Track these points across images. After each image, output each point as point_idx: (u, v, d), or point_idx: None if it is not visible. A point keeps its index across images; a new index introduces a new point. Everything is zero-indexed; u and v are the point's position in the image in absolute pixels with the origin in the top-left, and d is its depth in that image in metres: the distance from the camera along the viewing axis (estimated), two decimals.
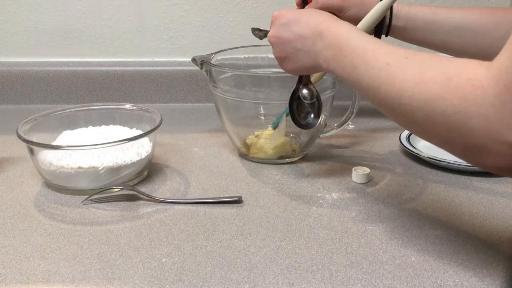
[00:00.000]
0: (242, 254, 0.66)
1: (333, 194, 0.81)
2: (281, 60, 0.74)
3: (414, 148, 0.93)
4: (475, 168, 0.84)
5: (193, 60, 0.92)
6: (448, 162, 0.87)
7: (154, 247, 0.67)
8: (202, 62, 0.91)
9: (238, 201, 0.78)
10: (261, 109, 0.93)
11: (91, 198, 0.78)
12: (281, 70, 0.75)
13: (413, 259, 0.65)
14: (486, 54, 0.57)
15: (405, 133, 0.98)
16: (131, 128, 0.91)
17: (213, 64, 0.92)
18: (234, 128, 0.93)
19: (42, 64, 1.22)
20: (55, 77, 1.21)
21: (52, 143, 0.85)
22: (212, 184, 0.85)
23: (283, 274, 0.62)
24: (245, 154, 0.94)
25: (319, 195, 0.81)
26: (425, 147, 0.92)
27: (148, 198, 0.79)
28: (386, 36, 0.88)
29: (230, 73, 0.92)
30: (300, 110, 0.80)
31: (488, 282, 0.61)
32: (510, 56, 0.46)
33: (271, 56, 1.00)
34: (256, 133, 0.94)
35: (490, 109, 0.46)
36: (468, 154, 0.51)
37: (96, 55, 1.23)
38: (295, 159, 0.93)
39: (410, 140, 0.96)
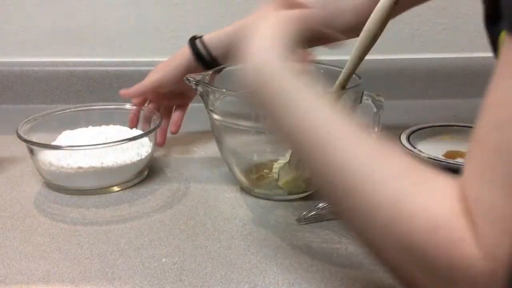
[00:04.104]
0: (242, 254, 0.66)
1: None
2: None
3: (414, 148, 0.93)
4: None
5: (187, 79, 0.79)
6: (448, 162, 0.86)
7: (154, 247, 0.67)
8: (197, 83, 0.78)
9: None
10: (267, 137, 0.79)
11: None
12: None
13: None
14: None
15: (405, 133, 0.98)
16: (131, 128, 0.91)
17: (210, 86, 0.77)
18: (235, 159, 0.81)
19: (42, 64, 1.22)
20: (55, 77, 1.21)
21: (52, 143, 0.85)
22: (213, 184, 0.85)
23: (283, 274, 0.62)
24: (249, 189, 0.81)
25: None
26: (425, 148, 0.92)
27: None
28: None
29: (230, 96, 0.76)
30: None
31: None
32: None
33: None
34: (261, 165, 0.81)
35: None
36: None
37: (96, 55, 1.23)
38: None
39: (410, 140, 0.96)
